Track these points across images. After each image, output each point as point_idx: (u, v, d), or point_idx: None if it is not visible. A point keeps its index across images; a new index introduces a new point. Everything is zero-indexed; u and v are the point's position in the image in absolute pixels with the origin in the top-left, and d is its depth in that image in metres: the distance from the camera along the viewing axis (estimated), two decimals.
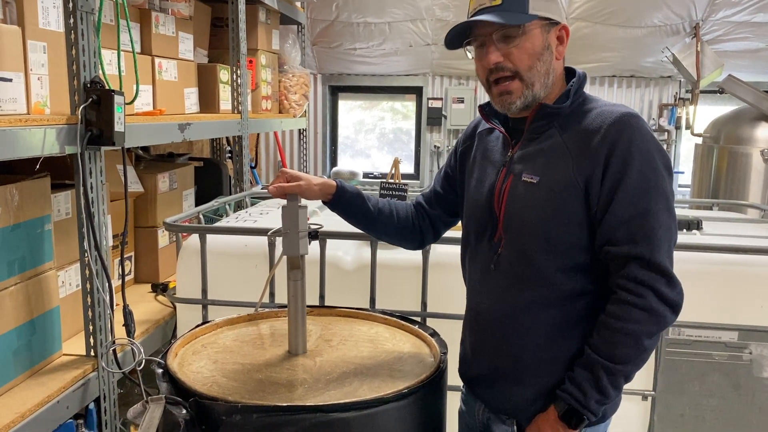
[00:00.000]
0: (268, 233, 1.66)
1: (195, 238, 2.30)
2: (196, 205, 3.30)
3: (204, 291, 2.27)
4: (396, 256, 2.27)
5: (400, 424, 1.37)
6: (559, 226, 1.36)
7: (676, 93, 5.83)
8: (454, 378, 1.61)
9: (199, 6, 3.27)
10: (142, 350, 1.62)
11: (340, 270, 2.26)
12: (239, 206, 3.19)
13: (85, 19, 1.82)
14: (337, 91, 6.54)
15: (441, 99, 6.07)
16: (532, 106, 1.41)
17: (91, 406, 1.94)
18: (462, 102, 5.94)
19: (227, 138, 4.51)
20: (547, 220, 1.36)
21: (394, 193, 2.39)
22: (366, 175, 6.43)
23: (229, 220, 2.67)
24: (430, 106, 6.10)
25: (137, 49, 2.60)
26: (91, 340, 1.96)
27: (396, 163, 2.48)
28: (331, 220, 1.69)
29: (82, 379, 1.90)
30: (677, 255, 2.06)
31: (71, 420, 1.87)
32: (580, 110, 1.41)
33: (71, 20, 1.81)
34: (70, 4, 1.80)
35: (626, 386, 1.41)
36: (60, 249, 2.06)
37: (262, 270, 2.25)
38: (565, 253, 1.37)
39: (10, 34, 1.75)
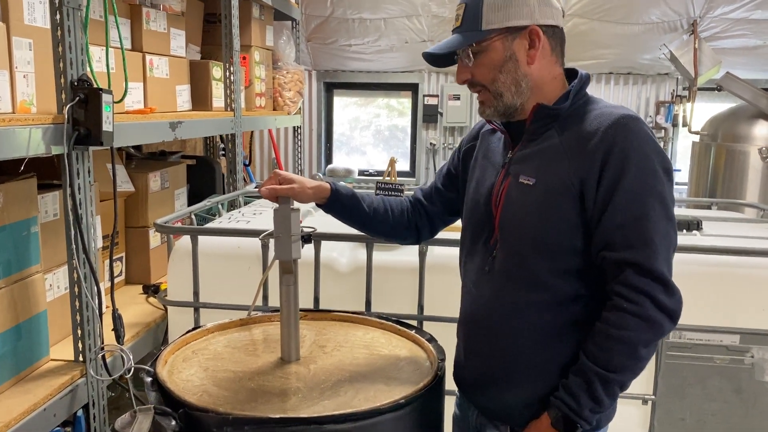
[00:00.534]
0: (260, 236, 1.61)
1: (187, 238, 2.25)
2: (189, 204, 3.25)
3: (196, 293, 2.22)
4: (392, 258, 2.23)
5: None
6: (553, 229, 1.33)
7: (673, 90, 5.81)
8: (449, 382, 1.56)
9: (191, 1, 3.21)
10: (131, 357, 1.58)
11: (334, 272, 2.22)
12: (232, 205, 3.14)
13: (72, 15, 1.77)
14: (332, 87, 6.49)
15: (437, 96, 6.02)
16: (512, 112, 1.41)
17: (80, 413, 1.90)
18: (458, 99, 5.89)
19: (221, 135, 4.46)
20: (541, 223, 1.34)
21: (390, 192, 2.34)
22: (361, 173, 6.39)
23: (222, 221, 2.62)
24: (425, 103, 6.05)
25: (127, 45, 2.55)
26: (80, 345, 1.92)
27: (392, 163, 2.44)
28: (325, 221, 1.65)
29: (70, 386, 1.85)
30: (678, 257, 2.04)
31: (59, 428, 1.82)
32: (580, 112, 1.37)
33: (57, 16, 1.75)
34: (56, 0, 1.74)
35: (626, 390, 1.36)
36: (47, 251, 2.01)
37: (255, 272, 2.21)
38: (559, 257, 1.34)
39: None
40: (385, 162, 6.80)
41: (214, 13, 3.54)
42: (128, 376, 1.55)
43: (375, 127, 6.82)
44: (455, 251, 1.62)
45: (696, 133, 4.87)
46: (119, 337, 1.93)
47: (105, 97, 1.77)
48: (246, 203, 3.17)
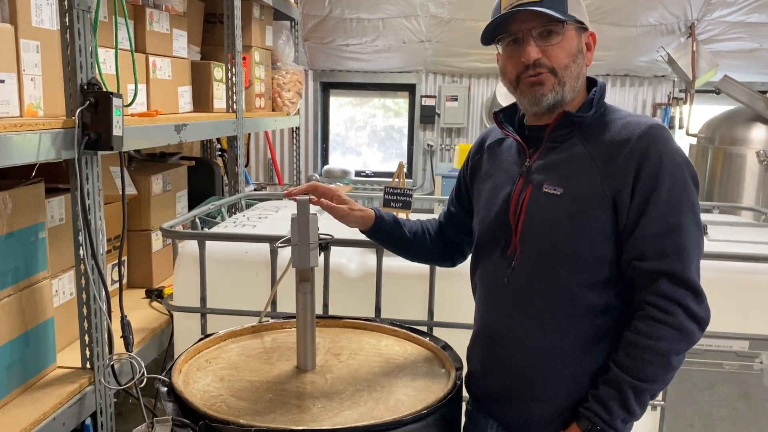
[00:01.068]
0: (276, 243, 1.59)
1: (192, 243, 2.23)
2: (189, 206, 3.22)
3: (203, 299, 2.19)
4: (401, 264, 2.19)
5: None
6: (585, 240, 1.31)
7: (670, 92, 5.82)
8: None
9: (192, 2, 3.18)
10: (143, 366, 1.55)
11: (344, 278, 2.20)
12: (234, 208, 3.11)
13: (82, 18, 1.74)
14: (328, 87, 6.46)
15: (434, 97, 6.01)
16: (558, 106, 1.36)
17: (88, 421, 1.87)
18: (456, 100, 5.88)
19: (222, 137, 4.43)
20: (572, 234, 1.32)
21: (398, 198, 2.33)
22: (358, 174, 6.36)
23: (228, 225, 2.59)
24: (423, 104, 6.03)
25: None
26: (87, 352, 1.89)
27: (400, 168, 2.42)
28: (332, 226, 1.64)
29: (79, 394, 1.82)
30: None
31: None
32: (602, 120, 1.37)
33: (67, 19, 1.72)
34: (66, 3, 1.72)
35: None
36: (53, 256, 1.98)
37: (264, 277, 2.18)
38: (589, 268, 1.32)
39: (3, 32, 1.67)
40: (381, 163, 6.80)
41: (214, 12, 3.52)
42: (141, 385, 1.53)
43: (371, 127, 6.80)
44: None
45: (693, 135, 4.89)
46: (128, 345, 1.90)
47: (115, 101, 1.75)
48: (248, 206, 3.15)
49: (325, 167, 6.32)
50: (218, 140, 4.58)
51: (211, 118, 3.03)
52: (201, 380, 1.48)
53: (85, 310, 1.86)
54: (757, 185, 4.41)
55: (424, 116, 6.04)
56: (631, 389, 1.26)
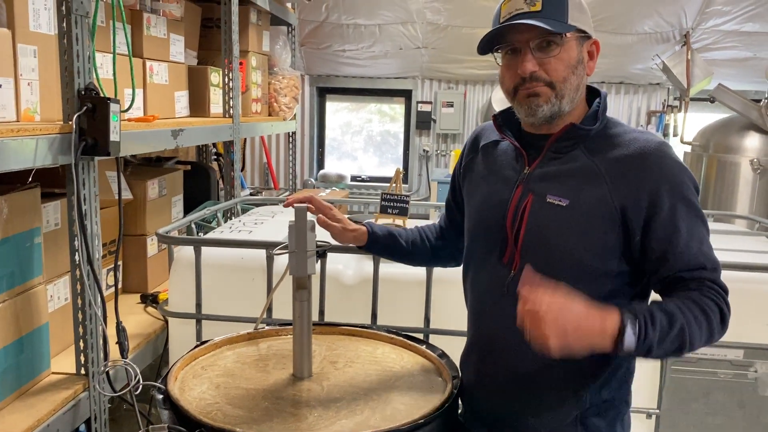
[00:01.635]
0: (273, 251, 1.59)
1: (188, 248, 2.22)
2: (185, 210, 3.21)
3: (198, 305, 2.19)
4: (398, 271, 2.21)
5: None
6: (590, 253, 1.30)
7: (665, 100, 5.86)
8: None
9: (189, 6, 3.17)
10: (139, 373, 1.54)
11: (340, 284, 2.20)
12: (230, 213, 3.11)
13: (80, 23, 1.74)
14: (324, 92, 6.47)
15: (430, 103, 6.03)
16: (555, 118, 1.34)
17: (82, 427, 1.86)
18: (451, 106, 5.90)
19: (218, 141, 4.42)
20: (578, 246, 1.31)
21: (395, 204, 2.33)
22: (353, 178, 6.37)
23: (224, 230, 2.59)
24: (419, 109, 6.05)
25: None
26: (82, 358, 1.88)
27: (398, 174, 2.42)
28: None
29: (73, 400, 1.81)
30: None
31: None
32: (606, 133, 1.35)
33: (65, 24, 1.72)
34: (64, 8, 1.71)
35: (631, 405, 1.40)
36: (48, 261, 1.97)
37: (260, 283, 2.18)
38: (594, 280, 1.31)
39: (0, 37, 1.66)
40: (376, 168, 6.81)
41: (211, 17, 3.51)
42: (137, 392, 1.52)
43: (367, 132, 6.81)
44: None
45: (688, 143, 4.92)
46: (123, 351, 1.90)
47: (113, 107, 1.74)
48: (244, 211, 3.14)
49: (321, 172, 6.33)
50: (214, 144, 4.57)
51: (208, 123, 3.03)
52: (197, 387, 1.47)
53: (80, 316, 1.85)
54: (751, 193, 4.44)
55: (419, 122, 6.06)
56: (678, 331, 1.17)
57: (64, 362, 2.00)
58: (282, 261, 2.08)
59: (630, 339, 1.15)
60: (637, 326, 1.15)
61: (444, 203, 1.75)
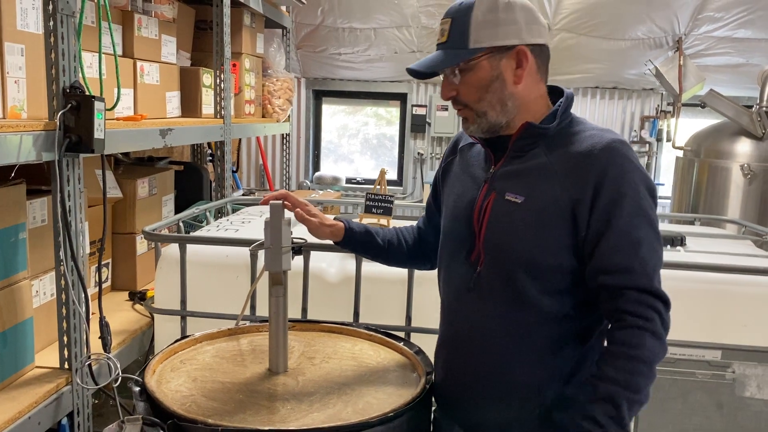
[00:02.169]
0: (250, 247, 1.61)
1: (175, 246, 2.25)
2: (176, 210, 3.24)
3: (183, 302, 2.21)
4: (381, 269, 2.22)
5: None
6: (543, 248, 1.32)
7: (658, 105, 5.89)
8: None
9: (182, 8, 3.21)
10: (119, 366, 1.57)
11: (323, 282, 2.23)
12: (220, 212, 3.13)
13: (66, 23, 1.77)
14: (320, 95, 6.50)
15: (425, 106, 6.06)
16: (498, 129, 1.39)
17: (64, 420, 1.88)
18: (446, 110, 5.93)
19: (209, 141, 4.46)
20: (530, 242, 1.33)
21: (380, 204, 2.36)
22: (349, 181, 6.40)
23: (210, 229, 2.61)
24: (414, 113, 6.08)
25: (119, 51, 2.54)
26: (66, 353, 1.90)
27: (382, 174, 2.45)
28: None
29: (56, 394, 1.84)
30: (662, 272, 2.08)
31: None
32: (567, 131, 1.37)
33: (51, 23, 1.75)
34: (50, 7, 1.74)
35: None
36: (34, 257, 1.99)
37: (244, 281, 2.21)
38: (547, 276, 1.33)
39: None
40: (372, 170, 6.83)
41: (205, 19, 3.55)
42: (116, 384, 1.54)
43: (363, 135, 6.84)
44: None
45: (680, 148, 4.94)
46: (106, 346, 1.92)
47: (97, 105, 1.77)
48: (234, 210, 3.17)
49: (316, 174, 6.36)
50: (209, 146, 4.61)
51: (198, 123, 3.06)
52: (174, 381, 1.49)
53: (64, 311, 1.88)
54: (741, 198, 4.46)
55: (414, 125, 6.09)
56: (625, 402, 1.21)
57: (49, 357, 2.03)
58: None
59: None
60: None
61: None
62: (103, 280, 2.72)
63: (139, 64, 2.68)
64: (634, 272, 1.26)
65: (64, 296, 1.88)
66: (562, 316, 1.35)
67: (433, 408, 1.60)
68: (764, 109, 4.40)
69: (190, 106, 3.18)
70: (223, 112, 3.32)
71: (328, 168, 6.68)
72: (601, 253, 1.28)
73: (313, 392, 1.46)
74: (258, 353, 1.67)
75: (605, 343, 1.33)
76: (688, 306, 2.14)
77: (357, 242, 1.65)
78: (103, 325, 1.93)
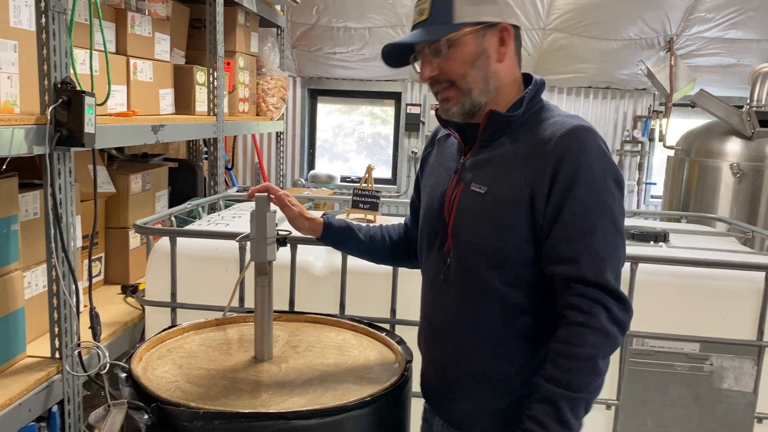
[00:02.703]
0: (237, 238, 1.66)
1: (166, 240, 2.29)
2: (170, 206, 3.29)
3: (173, 294, 2.26)
4: (366, 263, 2.25)
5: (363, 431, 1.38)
6: (504, 240, 1.31)
7: (650, 105, 5.93)
8: (418, 386, 1.61)
9: (176, 7, 3.25)
10: (107, 354, 1.61)
11: (310, 275, 2.27)
12: (213, 209, 3.17)
13: (57, 19, 1.81)
14: (316, 94, 6.55)
15: (419, 105, 6.10)
16: (475, 112, 1.37)
17: (55, 408, 1.92)
18: None
19: (204, 139, 4.50)
20: (491, 233, 1.32)
21: (366, 199, 2.40)
22: (344, 179, 6.44)
23: (201, 223, 2.66)
24: (408, 112, 6.13)
25: (112, 49, 2.59)
26: (57, 342, 1.95)
27: (369, 170, 2.49)
28: None
29: (46, 382, 1.88)
30: (642, 267, 2.13)
31: (33, 423, 1.85)
32: (534, 119, 1.35)
33: (43, 20, 1.79)
34: (42, 4, 1.79)
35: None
36: (27, 249, 2.04)
37: (233, 274, 2.25)
38: (510, 267, 1.32)
39: None
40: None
41: (200, 18, 3.59)
42: (104, 372, 1.59)
43: (358, 134, 6.88)
44: None
45: (671, 147, 4.99)
46: (96, 335, 1.96)
47: (88, 100, 1.82)
48: (227, 206, 3.21)
49: (311, 172, 6.40)
50: (205, 143, 4.65)
51: (191, 120, 3.10)
52: (159, 368, 1.54)
53: (55, 302, 1.92)
54: (731, 197, 4.50)
55: (409, 124, 6.14)
56: (565, 401, 1.20)
57: (40, 347, 2.07)
58: None
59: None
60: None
61: None
62: (96, 273, 2.77)
63: (132, 61, 2.72)
64: (581, 263, 1.23)
65: (55, 287, 1.92)
66: (528, 307, 1.34)
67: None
68: (754, 108, 4.45)
69: (183, 103, 3.22)
70: (216, 110, 3.36)
71: (323, 166, 6.72)
72: (552, 241, 1.27)
73: (295, 379, 1.50)
74: (244, 342, 1.71)
75: None
76: (667, 300, 2.19)
77: (337, 237, 1.67)
78: (93, 316, 1.97)
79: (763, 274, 2.13)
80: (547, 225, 1.27)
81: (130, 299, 2.65)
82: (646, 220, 4.12)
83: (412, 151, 6.18)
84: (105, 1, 2.58)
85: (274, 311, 1.65)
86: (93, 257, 2.58)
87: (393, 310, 2.21)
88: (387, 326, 2.03)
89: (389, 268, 2.19)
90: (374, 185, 2.52)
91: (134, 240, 2.93)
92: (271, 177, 6.26)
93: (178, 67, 3.21)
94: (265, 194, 1.55)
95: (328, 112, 6.79)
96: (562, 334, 1.25)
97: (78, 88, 1.85)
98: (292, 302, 2.20)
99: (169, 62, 3.08)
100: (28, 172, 2.09)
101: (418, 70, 1.41)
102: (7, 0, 1.83)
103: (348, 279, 2.21)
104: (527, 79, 1.42)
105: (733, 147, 4.51)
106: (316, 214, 1.71)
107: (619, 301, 1.24)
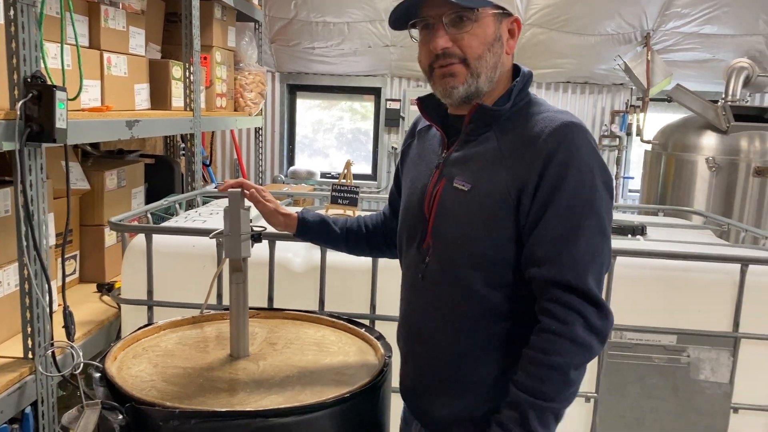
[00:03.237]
0: (211, 235, 1.63)
1: (142, 237, 2.26)
2: (146, 203, 3.24)
3: (150, 292, 2.22)
4: (346, 259, 2.25)
5: (342, 429, 1.37)
6: (488, 240, 1.25)
7: (628, 100, 5.98)
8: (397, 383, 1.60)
9: (151, 1, 3.20)
10: (80, 354, 1.57)
11: (289, 272, 2.25)
12: (190, 205, 3.14)
13: (26, 12, 1.77)
14: (295, 89, 6.50)
15: (399, 100, 6.09)
16: (474, 98, 1.29)
17: (28, 410, 1.88)
18: None
19: (181, 135, 4.44)
20: (474, 233, 1.26)
21: (345, 194, 2.38)
22: (323, 175, 6.41)
23: (178, 220, 2.62)
24: (388, 107, 6.11)
25: (85, 43, 2.54)
26: (29, 343, 1.91)
27: (348, 165, 2.48)
28: None
29: (18, 383, 1.84)
30: (620, 260, 2.14)
31: (6, 425, 1.81)
32: (522, 114, 1.29)
33: (11, 13, 1.75)
34: None
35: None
36: None
37: (210, 271, 2.22)
38: (493, 269, 1.27)
39: None
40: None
41: (176, 12, 3.54)
42: (78, 372, 1.55)
43: (338, 129, 6.85)
44: None
45: (648, 142, 5.04)
46: (70, 335, 1.92)
47: (59, 95, 1.78)
48: (204, 203, 3.18)
49: (291, 168, 6.36)
50: (182, 139, 4.60)
51: (167, 115, 3.06)
52: (135, 367, 1.51)
53: (27, 301, 1.88)
54: (707, 191, 4.56)
55: (388, 119, 6.12)
56: (531, 410, 1.16)
57: (13, 348, 2.02)
58: None
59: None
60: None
61: None
62: (71, 272, 2.72)
63: (106, 55, 2.67)
64: (561, 265, 1.18)
65: (27, 286, 1.88)
66: (509, 311, 1.29)
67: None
68: (729, 103, 4.50)
69: (159, 98, 3.17)
70: (192, 105, 3.31)
71: (302, 162, 6.69)
72: (532, 241, 1.21)
73: (272, 376, 1.48)
74: (221, 340, 1.69)
75: None
76: (645, 293, 2.21)
77: (312, 231, 1.64)
78: (67, 315, 1.93)
79: (738, 266, 2.15)
80: (530, 225, 1.22)
81: (105, 297, 2.61)
82: (623, 213, 4.15)
83: (392, 147, 6.17)
84: None
85: (253, 308, 1.63)
86: (67, 255, 2.54)
87: (373, 306, 2.20)
88: (367, 322, 2.02)
89: (369, 264, 2.18)
90: (354, 181, 2.51)
91: (110, 237, 2.89)
92: (251, 173, 6.22)
93: (153, 62, 3.16)
94: (238, 190, 1.52)
95: (307, 107, 6.75)
96: (534, 340, 1.21)
97: (49, 83, 1.81)
98: (271, 299, 2.18)
99: (144, 57, 3.03)
100: None
101: (415, 38, 1.33)
102: None
103: (327, 275, 2.19)
104: (514, 70, 1.37)
105: (709, 141, 4.57)
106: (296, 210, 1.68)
107: (597, 308, 1.19)
